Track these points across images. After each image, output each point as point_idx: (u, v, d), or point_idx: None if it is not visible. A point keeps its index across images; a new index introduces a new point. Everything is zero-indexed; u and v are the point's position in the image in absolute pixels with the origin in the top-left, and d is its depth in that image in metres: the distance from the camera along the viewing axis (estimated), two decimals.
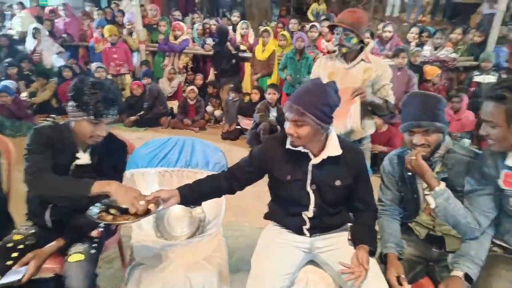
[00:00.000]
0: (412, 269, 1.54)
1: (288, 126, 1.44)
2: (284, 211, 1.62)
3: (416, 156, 1.40)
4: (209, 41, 5.58)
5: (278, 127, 4.25)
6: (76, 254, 1.45)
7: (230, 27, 5.89)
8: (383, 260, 1.53)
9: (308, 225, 1.56)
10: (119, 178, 1.67)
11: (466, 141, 4.38)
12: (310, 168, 1.50)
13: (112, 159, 1.63)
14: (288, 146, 1.50)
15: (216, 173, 1.71)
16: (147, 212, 1.36)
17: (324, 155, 1.47)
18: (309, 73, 4.76)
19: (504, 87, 1.17)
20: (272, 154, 1.56)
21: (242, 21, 5.75)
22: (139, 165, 1.83)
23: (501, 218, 1.41)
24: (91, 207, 1.36)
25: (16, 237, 1.55)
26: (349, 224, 1.64)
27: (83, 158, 1.55)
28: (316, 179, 1.51)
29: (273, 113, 4.36)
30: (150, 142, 1.88)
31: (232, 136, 4.89)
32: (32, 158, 1.44)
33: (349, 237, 1.58)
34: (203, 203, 1.63)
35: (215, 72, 5.54)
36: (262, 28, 5.43)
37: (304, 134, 1.41)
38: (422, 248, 1.59)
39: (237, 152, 4.06)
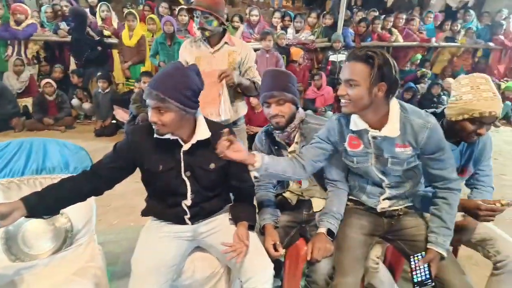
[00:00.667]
0: (287, 234, 1.68)
1: (151, 114, 1.35)
2: (162, 204, 1.55)
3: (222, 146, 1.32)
4: (63, 25, 4.86)
5: None
6: None
7: (87, 10, 5.23)
8: (262, 232, 1.62)
9: (188, 214, 1.52)
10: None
11: (329, 113, 5.01)
12: (182, 155, 1.45)
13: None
14: (155, 135, 1.42)
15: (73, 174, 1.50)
16: None
17: (193, 140, 1.44)
18: None
19: (371, 51, 1.28)
20: (140, 145, 1.46)
21: (102, 3, 5.16)
22: None
23: (349, 177, 1.64)
24: None
25: None
26: (229, 204, 1.67)
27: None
28: (190, 165, 1.47)
29: None
30: None
31: (107, 132, 4.45)
32: None
33: (230, 217, 1.61)
34: (67, 210, 1.43)
35: (77, 62, 4.89)
36: (126, 11, 4.99)
37: (168, 121, 1.34)
38: (294, 214, 1.74)
39: None
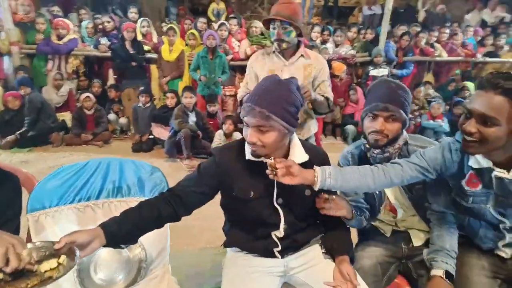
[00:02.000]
0: (386, 270, 1.47)
1: (250, 133, 1.19)
2: (249, 235, 1.37)
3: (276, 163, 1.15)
4: (104, 40, 4.87)
5: (199, 132, 3.93)
6: None
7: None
8: None
9: (279, 247, 1.34)
10: (13, 226, 1.19)
11: (350, 128, 4.87)
12: (275, 180, 1.28)
13: None
14: (248, 157, 1.26)
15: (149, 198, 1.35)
16: (56, 268, 0.96)
17: None
18: (223, 72, 4.57)
19: None
20: (229, 168, 1.30)
21: (142, 19, 5.18)
22: (47, 205, 1.33)
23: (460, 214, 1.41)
24: None
25: None
26: (319, 235, 1.47)
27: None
28: (283, 192, 1.30)
29: (192, 118, 4.01)
30: (60, 170, 1.39)
31: (145, 147, 4.37)
32: None
33: (323, 250, 1.42)
34: (141, 238, 1.27)
35: (115, 76, 4.88)
36: (166, 26, 4.98)
37: (270, 142, 1.18)
38: (391, 247, 1.53)
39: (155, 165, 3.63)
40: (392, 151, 1.42)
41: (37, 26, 5.00)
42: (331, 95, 2.20)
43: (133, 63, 4.69)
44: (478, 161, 1.20)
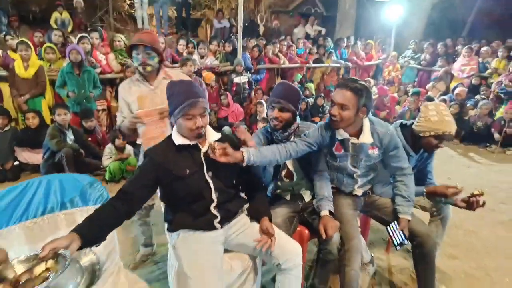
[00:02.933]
0: (291, 222, 2.04)
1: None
2: (191, 215, 1.70)
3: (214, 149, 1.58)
4: None
5: (81, 150, 3.75)
6: None
7: None
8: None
9: (218, 217, 1.71)
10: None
11: (227, 129, 5.49)
12: (202, 157, 1.67)
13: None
14: (178, 142, 1.63)
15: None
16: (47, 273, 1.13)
17: (207, 143, 1.71)
18: (95, 87, 4.45)
19: (359, 84, 1.73)
20: (164, 158, 1.63)
21: None
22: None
23: (331, 170, 2.10)
24: None
25: None
26: (245, 205, 1.91)
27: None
28: (211, 166, 1.68)
29: (70, 136, 3.77)
30: (4, 193, 1.39)
31: (10, 176, 3.83)
32: None
33: (249, 217, 1.87)
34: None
35: None
36: (12, 40, 4.42)
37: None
38: (291, 206, 2.10)
39: None
40: (290, 131, 1.99)
41: None
42: None
43: None
44: (341, 134, 1.89)
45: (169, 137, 1.70)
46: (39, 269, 1.08)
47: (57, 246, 1.18)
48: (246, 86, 5.96)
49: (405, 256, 2.59)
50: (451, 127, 1.97)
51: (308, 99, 6.46)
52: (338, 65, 7.96)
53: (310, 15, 10.49)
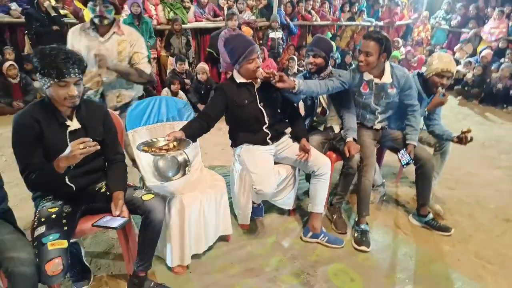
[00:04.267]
0: (323, 146, 2.68)
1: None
2: (250, 132, 2.33)
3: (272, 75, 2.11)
4: (14, 6, 4.64)
5: None
6: (147, 195, 1.71)
7: None
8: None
9: (270, 135, 2.34)
10: (114, 138, 1.80)
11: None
12: (256, 92, 2.27)
13: (97, 121, 1.71)
14: (239, 80, 2.24)
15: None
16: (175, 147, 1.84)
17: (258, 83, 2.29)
18: (151, 37, 5.05)
19: (380, 34, 2.30)
20: (230, 91, 2.24)
21: None
22: (132, 126, 2.10)
23: (357, 108, 2.69)
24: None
25: (53, 209, 1.57)
26: (288, 128, 2.54)
27: (73, 124, 1.60)
28: (263, 98, 2.28)
29: None
30: (137, 104, 2.12)
31: None
32: (18, 155, 1.53)
33: (292, 138, 2.51)
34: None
35: (31, 42, 4.75)
36: None
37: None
38: (324, 135, 2.73)
39: None
40: (324, 75, 2.56)
41: None
42: (144, 67, 2.35)
43: (55, 27, 4.66)
44: (367, 76, 2.46)
45: (231, 77, 2.29)
46: (171, 145, 1.78)
47: (176, 135, 1.88)
48: (281, 41, 6.39)
49: (410, 185, 3.22)
50: (449, 66, 2.47)
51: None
52: (369, 23, 8.15)
53: None
